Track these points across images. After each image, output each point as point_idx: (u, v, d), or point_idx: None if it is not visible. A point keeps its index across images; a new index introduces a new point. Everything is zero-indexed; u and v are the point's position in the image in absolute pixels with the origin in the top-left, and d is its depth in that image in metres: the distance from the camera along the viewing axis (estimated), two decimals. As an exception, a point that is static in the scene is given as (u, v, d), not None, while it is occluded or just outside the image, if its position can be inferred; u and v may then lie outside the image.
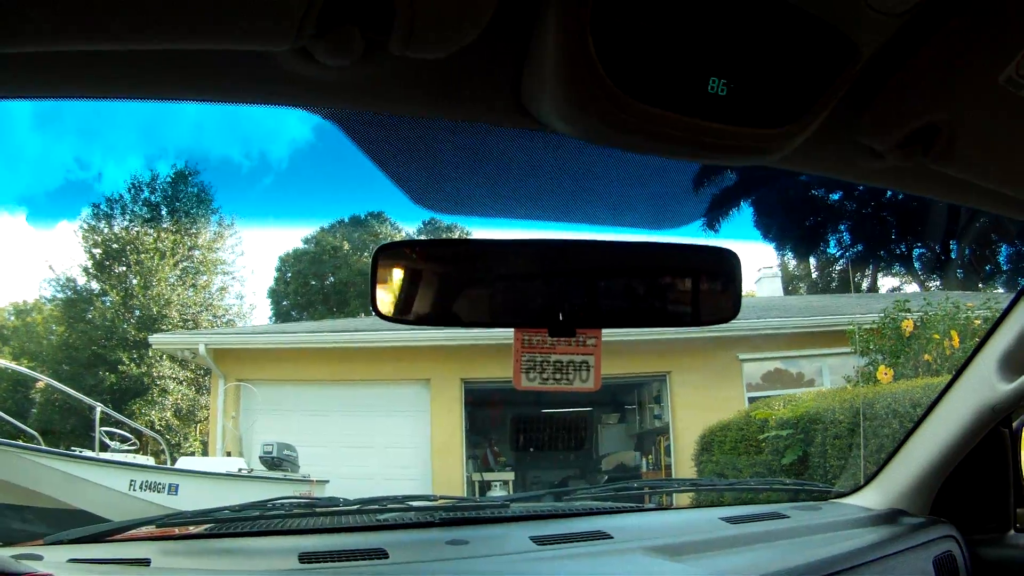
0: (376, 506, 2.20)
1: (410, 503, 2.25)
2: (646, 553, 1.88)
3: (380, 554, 1.74)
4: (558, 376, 1.58)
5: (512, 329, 1.57)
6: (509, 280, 1.52)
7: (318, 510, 2.16)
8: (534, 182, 1.61)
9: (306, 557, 1.70)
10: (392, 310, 1.51)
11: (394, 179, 1.42)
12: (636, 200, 1.78)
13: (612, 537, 1.98)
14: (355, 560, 1.71)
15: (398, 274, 1.49)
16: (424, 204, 1.49)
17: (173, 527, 2.09)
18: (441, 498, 2.38)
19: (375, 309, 1.48)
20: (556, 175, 1.58)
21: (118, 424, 13.94)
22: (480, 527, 2.12)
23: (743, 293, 1.60)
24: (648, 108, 0.98)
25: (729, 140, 1.05)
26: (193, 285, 29.82)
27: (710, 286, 1.62)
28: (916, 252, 26.10)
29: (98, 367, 26.04)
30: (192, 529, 2.07)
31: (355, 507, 2.18)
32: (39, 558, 1.27)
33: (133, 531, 1.98)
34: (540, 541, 1.90)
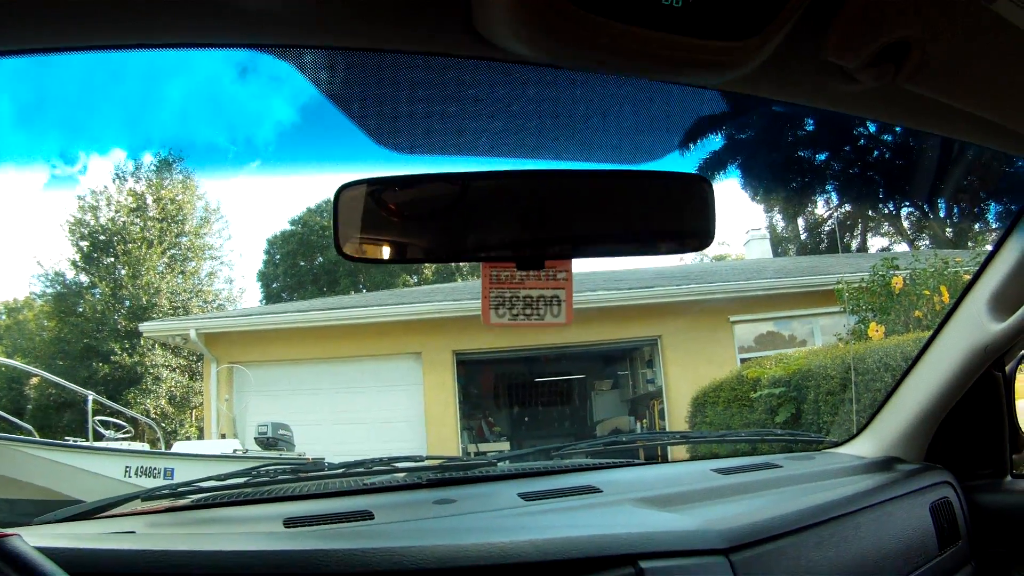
0: (362, 468, 2.19)
1: (396, 464, 2.24)
2: (636, 504, 1.87)
3: (365, 515, 1.73)
4: (528, 312, 1.54)
5: (480, 265, 1.55)
6: (474, 213, 1.48)
7: (303, 475, 2.15)
8: (500, 117, 1.57)
9: (291, 522, 1.68)
10: (357, 250, 1.47)
11: (353, 119, 1.39)
12: (607, 134, 1.75)
13: (601, 491, 1.96)
14: (340, 523, 1.69)
15: (361, 213, 1.44)
16: (386, 144, 1.45)
17: (159, 499, 2.07)
18: (428, 458, 2.37)
19: (339, 250, 1.44)
20: (523, 110, 1.54)
21: (112, 413, 13.93)
22: (468, 486, 2.11)
23: (716, 226, 1.55)
24: (601, 20, 0.94)
25: (687, 53, 1.01)
26: (182, 272, 29.85)
27: (682, 214, 1.58)
28: (904, 211, 26.23)
29: (91, 359, 26.11)
30: (178, 501, 2.05)
31: (340, 471, 2.16)
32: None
33: (119, 507, 1.96)
34: (528, 497, 1.89)
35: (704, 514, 1.79)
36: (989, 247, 2.64)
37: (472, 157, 1.58)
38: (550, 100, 1.54)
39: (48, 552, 1.11)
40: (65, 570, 1.08)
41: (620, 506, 1.88)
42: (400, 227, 1.49)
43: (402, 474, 2.25)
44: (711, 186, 1.54)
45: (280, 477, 2.17)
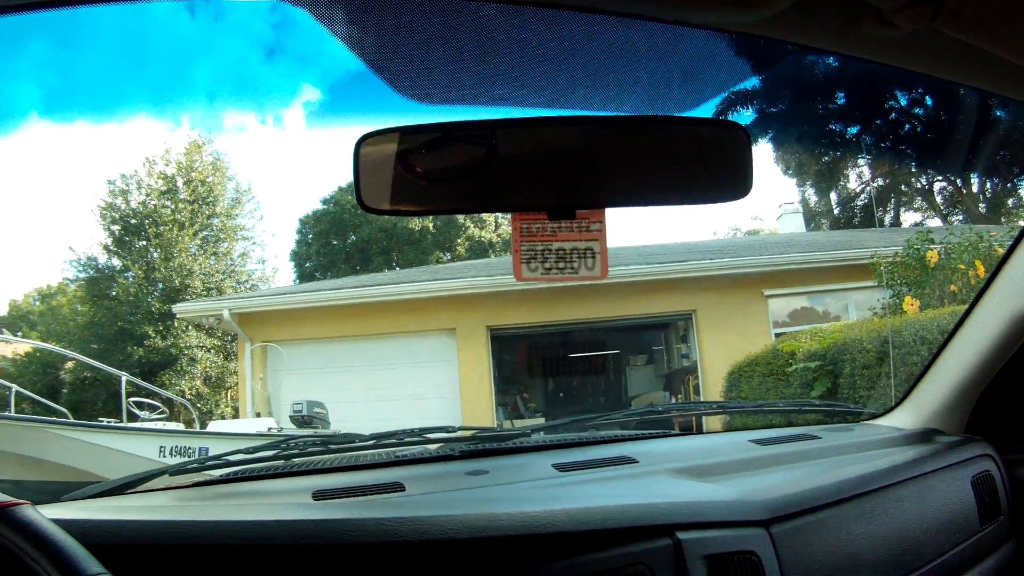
0: (393, 440, 2.16)
1: (428, 435, 2.21)
2: (672, 475, 1.83)
3: (397, 487, 1.70)
4: (561, 265, 1.50)
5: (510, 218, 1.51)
6: (502, 162, 1.43)
7: (333, 447, 2.12)
8: (527, 64, 1.53)
9: (320, 494, 1.65)
10: (379, 201, 1.43)
11: (373, 67, 1.34)
12: (635, 82, 1.69)
13: (637, 461, 1.93)
14: (370, 495, 1.67)
15: (384, 163, 1.40)
16: (406, 93, 1.41)
17: (187, 474, 2.05)
18: (460, 429, 2.33)
19: (361, 202, 1.39)
20: (549, 57, 1.50)
21: (147, 394, 14.06)
22: (501, 458, 2.08)
23: (753, 174, 1.49)
24: None
25: None
26: (214, 253, 30.11)
27: (718, 162, 1.52)
28: (937, 186, 26.04)
29: (125, 342, 26.44)
30: (206, 476, 2.03)
31: (371, 442, 2.14)
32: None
33: (147, 483, 1.94)
34: (562, 468, 1.86)
35: (742, 485, 1.75)
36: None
37: (497, 107, 1.53)
38: (576, 46, 1.49)
39: (67, 524, 1.09)
40: (87, 541, 1.06)
41: (656, 477, 1.84)
42: (424, 177, 1.45)
43: (434, 446, 2.23)
44: (748, 134, 1.48)
45: (310, 449, 2.14)
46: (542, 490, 1.70)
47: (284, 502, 1.71)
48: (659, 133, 1.50)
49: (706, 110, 1.73)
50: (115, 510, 1.48)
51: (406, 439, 2.17)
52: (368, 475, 1.91)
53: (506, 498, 1.64)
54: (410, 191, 1.45)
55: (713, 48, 1.62)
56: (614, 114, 1.70)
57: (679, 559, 1.43)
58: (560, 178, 1.45)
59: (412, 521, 1.32)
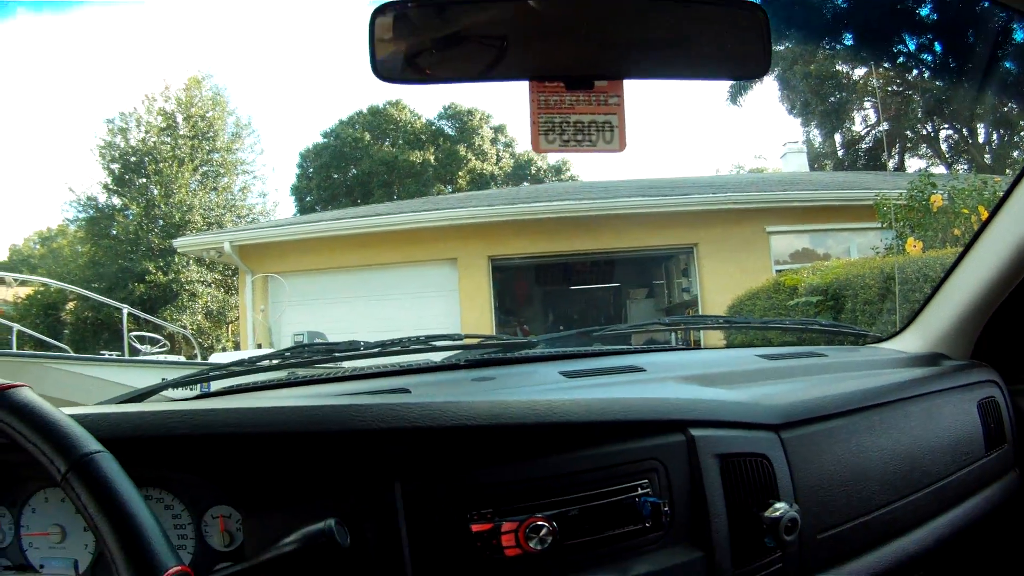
0: (398, 347, 2.14)
1: (433, 343, 2.20)
2: (681, 381, 1.82)
3: (402, 391, 1.69)
4: (579, 137, 1.49)
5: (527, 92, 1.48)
6: (518, 31, 1.42)
7: (337, 354, 2.11)
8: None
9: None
10: (394, 71, 1.42)
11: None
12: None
13: (645, 370, 1.92)
14: (375, 394, 1.66)
15: (399, 31, 1.39)
16: None
17: (189, 385, 2.05)
18: (467, 336, 2.31)
19: (376, 72, 1.38)
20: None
21: (149, 327, 14.11)
22: (507, 367, 2.07)
23: (771, 55, 1.49)
24: None
25: None
26: (214, 188, 30.19)
27: (736, 40, 1.52)
28: (943, 133, 25.95)
29: (126, 280, 26.60)
30: (207, 389, 2.03)
31: (376, 349, 2.12)
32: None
33: (148, 398, 1.94)
34: (570, 375, 1.85)
35: (753, 392, 1.74)
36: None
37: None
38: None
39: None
40: (89, 431, 1.04)
41: (665, 383, 1.83)
42: (440, 46, 1.43)
43: (439, 356, 2.22)
44: (766, 15, 1.48)
45: (315, 357, 2.13)
46: (551, 393, 1.69)
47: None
48: (678, 7, 1.48)
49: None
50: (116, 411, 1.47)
51: (411, 346, 2.16)
52: (372, 383, 1.90)
53: (515, 397, 1.63)
54: (425, 60, 1.46)
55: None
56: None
57: (692, 455, 1.42)
58: (578, 48, 1.45)
59: (423, 407, 1.30)
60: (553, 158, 40.81)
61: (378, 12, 1.36)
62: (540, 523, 1.25)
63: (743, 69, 1.58)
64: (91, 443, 1.02)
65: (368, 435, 1.26)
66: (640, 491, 1.35)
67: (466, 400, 1.35)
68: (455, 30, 1.41)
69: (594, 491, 1.32)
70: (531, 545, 1.25)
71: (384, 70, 1.39)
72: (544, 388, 1.77)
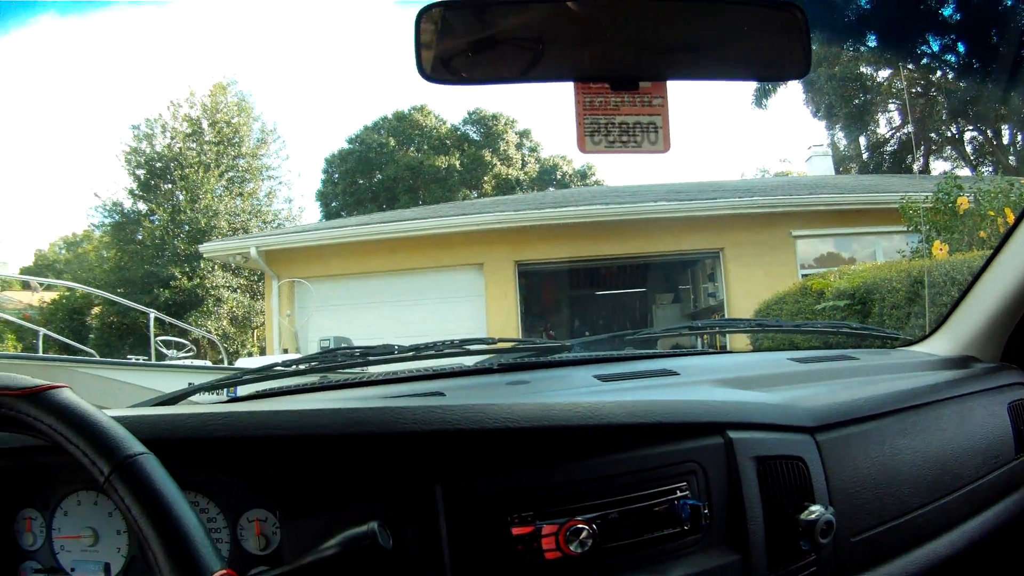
0: (432, 351, 2.15)
1: (467, 347, 2.21)
2: (716, 385, 1.83)
3: (436, 395, 1.69)
4: (625, 138, 1.50)
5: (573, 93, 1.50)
6: (563, 33, 1.44)
7: (371, 358, 2.11)
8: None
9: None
10: (440, 71, 1.44)
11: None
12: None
13: (679, 374, 1.92)
14: (410, 397, 1.67)
15: (444, 33, 1.41)
16: None
17: (222, 389, 2.06)
18: (500, 340, 2.32)
19: (421, 71, 1.40)
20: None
21: (175, 332, 14.18)
22: (541, 371, 2.08)
23: (811, 55, 1.51)
24: None
25: None
26: (240, 194, 30.34)
27: (775, 41, 1.54)
28: (968, 135, 25.77)
29: (152, 285, 26.78)
30: (241, 392, 2.04)
31: (410, 353, 2.13)
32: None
33: (181, 400, 1.95)
34: (604, 378, 1.85)
35: (787, 395, 1.75)
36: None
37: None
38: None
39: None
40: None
41: (699, 386, 1.83)
42: (484, 47, 1.45)
43: (472, 359, 2.22)
44: (805, 15, 1.49)
45: (348, 360, 2.14)
46: (586, 397, 1.69)
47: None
48: (719, 9, 1.50)
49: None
50: (154, 413, 1.48)
51: (445, 350, 2.17)
52: (405, 387, 1.91)
53: (547, 401, 1.63)
54: (470, 61, 1.47)
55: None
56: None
57: (730, 457, 1.42)
58: (622, 50, 1.46)
59: (466, 409, 1.31)
60: (578, 162, 40.91)
61: (423, 13, 1.37)
62: (580, 526, 1.25)
63: (783, 69, 1.59)
64: (135, 445, 1.02)
65: (410, 438, 1.26)
66: (679, 493, 1.35)
67: (508, 402, 1.35)
68: (500, 31, 1.43)
69: (634, 494, 1.32)
70: (571, 548, 1.25)
71: (430, 70, 1.41)
72: (579, 392, 1.77)
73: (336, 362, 2.15)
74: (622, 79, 1.48)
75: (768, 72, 1.60)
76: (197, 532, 0.96)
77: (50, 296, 29.52)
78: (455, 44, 1.41)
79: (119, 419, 1.08)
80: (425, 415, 1.28)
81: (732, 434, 1.44)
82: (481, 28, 1.42)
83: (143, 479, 0.99)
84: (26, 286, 26.56)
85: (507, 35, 1.43)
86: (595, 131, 1.49)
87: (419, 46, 1.40)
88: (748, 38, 1.51)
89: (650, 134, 1.50)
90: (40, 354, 11.02)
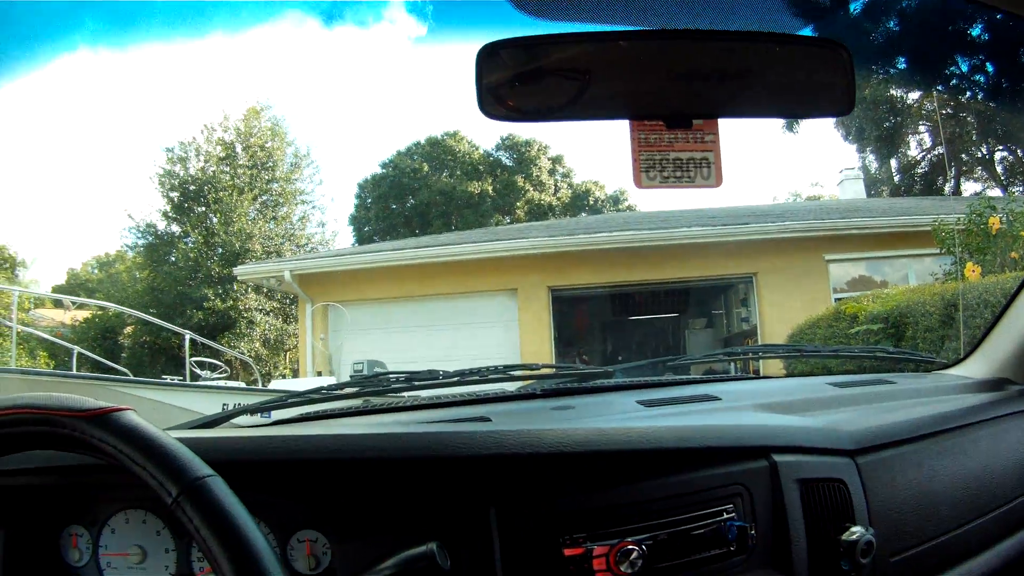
0: (477, 376, 2.18)
1: (511, 372, 2.23)
2: (757, 410, 1.85)
3: (483, 419, 1.72)
4: (679, 174, 1.54)
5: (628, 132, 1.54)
6: (618, 73, 1.48)
7: (416, 383, 2.14)
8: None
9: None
10: (500, 109, 1.48)
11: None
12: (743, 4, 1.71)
13: (720, 399, 1.95)
14: (457, 422, 1.69)
15: (504, 73, 1.45)
16: (525, 9, 1.44)
17: (270, 409, 2.09)
18: (544, 366, 2.35)
19: (483, 109, 1.44)
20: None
21: (209, 353, 14.25)
22: (584, 396, 2.10)
23: (855, 91, 1.54)
24: None
25: None
26: (274, 217, 30.47)
27: (821, 78, 1.57)
28: (998, 155, 25.56)
29: (185, 306, 26.85)
30: (286, 414, 2.05)
31: (455, 378, 2.16)
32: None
33: (225, 422, 1.98)
34: (648, 404, 1.87)
35: (828, 418, 1.77)
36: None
37: (608, 26, 1.55)
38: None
39: None
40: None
41: (742, 411, 1.86)
42: (544, 86, 1.49)
43: (515, 385, 2.25)
44: (849, 52, 1.53)
45: (394, 385, 2.17)
46: (631, 422, 1.72)
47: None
48: (767, 48, 1.53)
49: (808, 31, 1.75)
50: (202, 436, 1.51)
51: (490, 376, 2.20)
52: (451, 412, 1.93)
53: (600, 425, 1.66)
54: (530, 98, 1.51)
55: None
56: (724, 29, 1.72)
57: (775, 480, 1.45)
58: (676, 89, 1.49)
59: (519, 434, 1.33)
60: (611, 188, 40.88)
61: (485, 51, 1.41)
62: (631, 547, 1.28)
63: (829, 106, 1.62)
64: (202, 467, 1.04)
65: (466, 462, 1.30)
66: (726, 516, 1.38)
67: (560, 427, 1.39)
68: (558, 73, 1.46)
69: (682, 515, 1.35)
70: (622, 569, 1.28)
71: (490, 107, 1.45)
72: (624, 417, 1.79)
73: (382, 386, 2.17)
74: (676, 117, 1.52)
75: (814, 109, 1.62)
76: (266, 553, 0.99)
77: (82, 315, 29.74)
78: (514, 83, 1.45)
79: (184, 440, 1.12)
80: (483, 440, 1.32)
81: (777, 457, 1.47)
82: (538, 68, 1.46)
83: (212, 500, 1.01)
84: (58, 304, 26.74)
85: (562, 74, 1.47)
86: (651, 167, 1.53)
87: (480, 84, 1.44)
88: (796, 76, 1.55)
89: (703, 169, 1.54)
90: (74, 372, 11.10)
